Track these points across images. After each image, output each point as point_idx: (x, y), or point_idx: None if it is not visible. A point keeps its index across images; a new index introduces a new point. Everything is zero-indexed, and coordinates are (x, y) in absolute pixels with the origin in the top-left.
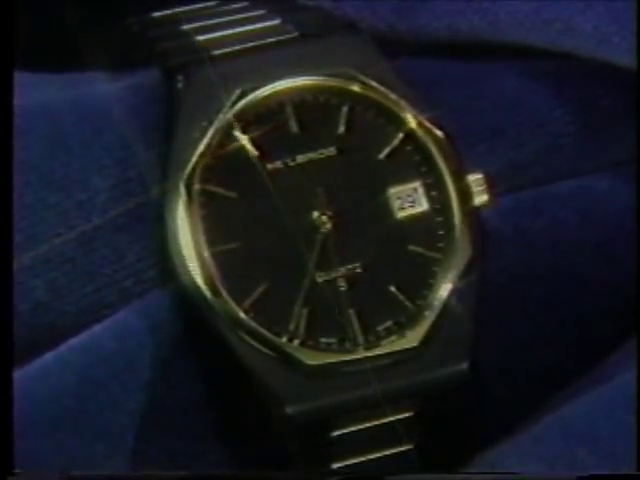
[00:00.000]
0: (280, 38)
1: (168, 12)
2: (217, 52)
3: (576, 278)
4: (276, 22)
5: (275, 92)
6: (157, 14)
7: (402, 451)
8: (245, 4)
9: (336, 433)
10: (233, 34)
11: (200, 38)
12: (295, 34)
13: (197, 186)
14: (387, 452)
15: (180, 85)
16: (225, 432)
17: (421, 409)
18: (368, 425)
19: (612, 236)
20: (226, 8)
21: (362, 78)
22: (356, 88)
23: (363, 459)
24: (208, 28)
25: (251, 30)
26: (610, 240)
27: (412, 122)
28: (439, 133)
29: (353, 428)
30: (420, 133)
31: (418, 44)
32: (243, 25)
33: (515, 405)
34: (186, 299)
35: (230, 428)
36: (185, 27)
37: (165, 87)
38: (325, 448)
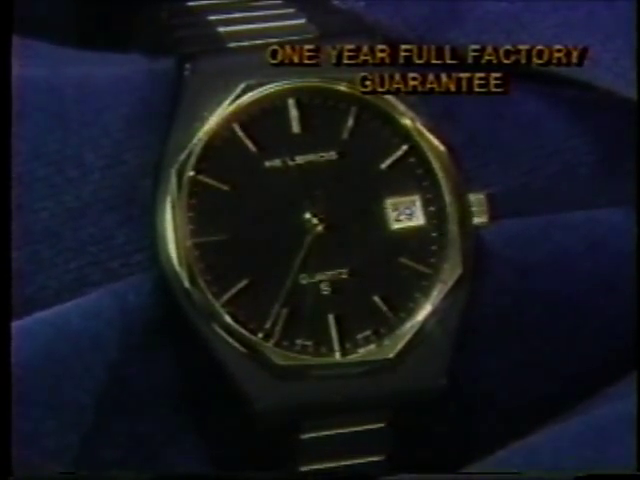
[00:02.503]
0: (299, 37)
1: (201, 2)
2: (233, 45)
3: (577, 309)
4: (300, 21)
5: (281, 90)
6: (190, 3)
7: (373, 461)
8: (278, 2)
9: (305, 436)
10: (255, 29)
11: (221, 30)
12: (315, 35)
13: (189, 175)
14: (357, 461)
15: (187, 73)
16: (195, 423)
17: (394, 421)
18: (339, 432)
19: (617, 271)
20: (257, 4)
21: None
22: (365, 95)
23: (332, 465)
24: (233, 21)
25: (273, 27)
26: (614, 275)
27: (418, 135)
28: (443, 149)
29: (323, 433)
30: (424, 147)
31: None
32: (267, 21)
33: (502, 428)
34: (166, 286)
35: (200, 420)
36: (210, 18)
37: (175, 75)
38: (294, 450)
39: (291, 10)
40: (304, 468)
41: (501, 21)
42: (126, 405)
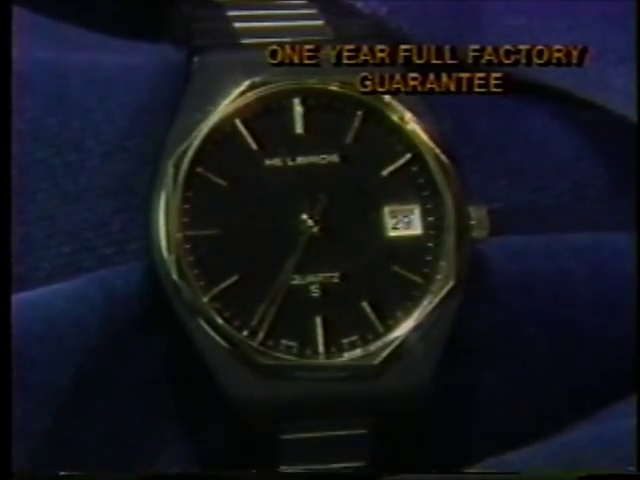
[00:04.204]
0: (314, 38)
1: None
2: (246, 41)
3: (576, 331)
4: (318, 23)
5: (287, 89)
6: None
7: (353, 467)
8: (302, 1)
9: (286, 437)
10: (270, 27)
11: (237, 25)
12: (330, 37)
13: (186, 167)
14: (337, 465)
15: (194, 66)
16: (175, 416)
17: (376, 428)
18: (319, 435)
19: (619, 295)
20: (281, 2)
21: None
22: (372, 101)
23: (313, 468)
24: (250, 17)
25: (290, 26)
26: (616, 299)
27: (422, 145)
28: (447, 160)
29: (304, 435)
30: (428, 157)
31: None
32: (285, 20)
33: (491, 441)
34: (155, 277)
35: (181, 413)
36: (230, 13)
37: (185, 67)
38: (274, 450)
39: (312, 11)
40: (285, 469)
41: (518, 37)
42: (105, 392)
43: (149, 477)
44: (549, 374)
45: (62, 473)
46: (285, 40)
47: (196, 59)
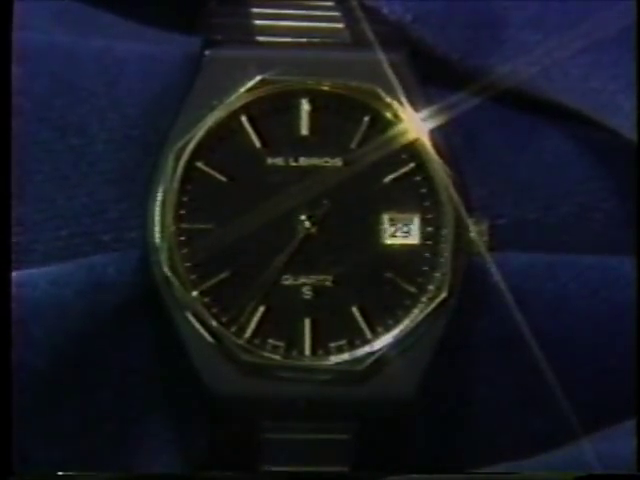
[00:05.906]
0: (330, 41)
1: None
2: (262, 39)
3: (574, 351)
4: (337, 26)
5: (296, 89)
6: None
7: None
8: (330, 4)
9: (268, 436)
10: (288, 26)
11: (257, 22)
12: (346, 41)
13: (186, 160)
14: (319, 469)
15: (205, 60)
16: (158, 408)
17: (358, 433)
18: (300, 437)
19: (619, 319)
20: (307, 3)
21: (388, 100)
22: (379, 107)
23: (294, 469)
24: (271, 15)
25: (310, 27)
26: (616, 322)
27: (427, 155)
28: (451, 172)
29: (286, 436)
30: (432, 167)
31: (481, 83)
32: (304, 21)
33: (485, 456)
34: (147, 267)
35: (164, 406)
36: (253, 10)
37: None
38: (255, 448)
39: (334, 13)
40: (265, 468)
41: (536, 53)
42: (86, 378)
43: (149, 477)
44: (546, 392)
45: (61, 473)
46: (301, 40)
47: (207, 52)
